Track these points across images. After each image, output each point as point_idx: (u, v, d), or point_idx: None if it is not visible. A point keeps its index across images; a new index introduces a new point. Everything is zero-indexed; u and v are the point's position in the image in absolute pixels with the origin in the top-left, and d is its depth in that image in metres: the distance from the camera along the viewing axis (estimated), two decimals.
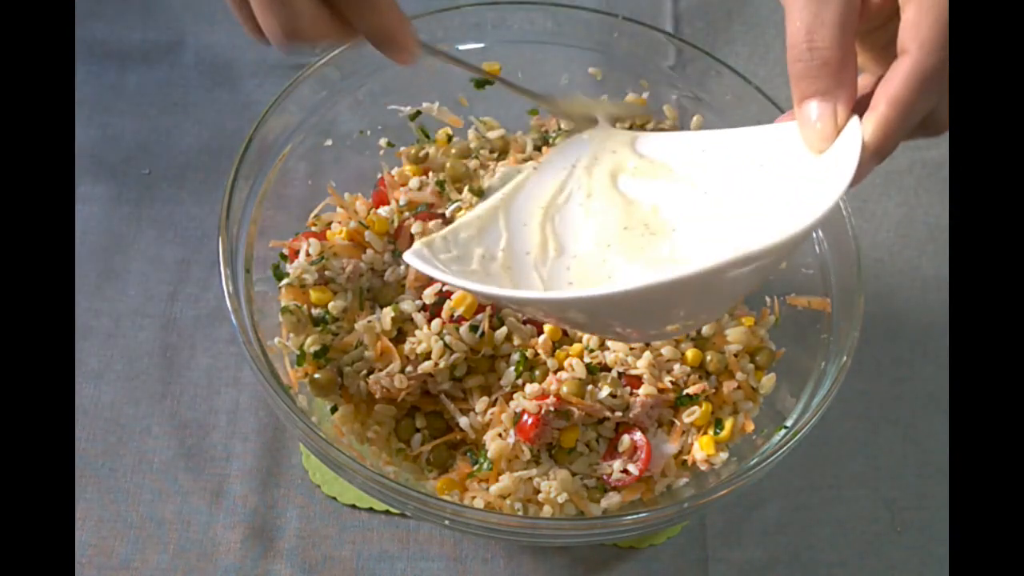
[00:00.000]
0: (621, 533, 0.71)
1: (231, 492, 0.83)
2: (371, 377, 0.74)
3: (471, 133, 0.88)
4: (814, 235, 0.82)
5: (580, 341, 0.76)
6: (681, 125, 0.89)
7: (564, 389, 0.72)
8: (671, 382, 0.75)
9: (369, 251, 0.79)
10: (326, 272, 0.77)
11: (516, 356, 0.75)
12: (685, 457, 0.75)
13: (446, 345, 0.73)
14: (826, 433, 0.87)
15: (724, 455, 0.74)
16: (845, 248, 0.78)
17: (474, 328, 0.74)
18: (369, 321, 0.76)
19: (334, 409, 0.76)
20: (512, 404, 0.73)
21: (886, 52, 0.57)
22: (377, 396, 0.75)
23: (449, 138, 0.88)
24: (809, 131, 0.57)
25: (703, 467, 0.74)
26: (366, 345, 0.75)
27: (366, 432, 0.75)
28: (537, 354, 0.75)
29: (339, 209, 0.84)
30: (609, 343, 0.75)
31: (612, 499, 0.73)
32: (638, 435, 0.73)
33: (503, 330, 0.75)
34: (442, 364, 0.73)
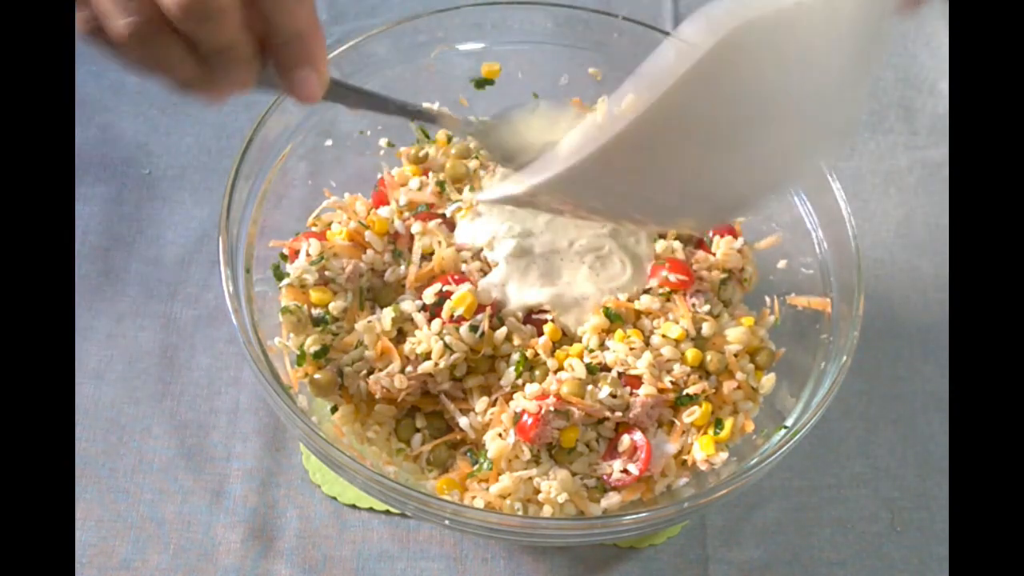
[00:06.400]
0: (621, 533, 0.71)
1: (231, 492, 0.82)
2: (371, 377, 0.74)
3: None
4: (814, 235, 0.83)
5: (580, 341, 0.76)
6: None
7: (564, 389, 0.72)
8: (671, 382, 0.75)
9: (369, 251, 0.79)
10: (326, 272, 0.77)
11: (516, 356, 0.75)
12: (685, 457, 0.75)
13: (446, 345, 0.73)
14: (826, 433, 0.87)
15: (724, 455, 0.74)
16: (845, 248, 0.78)
17: (474, 328, 0.74)
18: (369, 321, 0.76)
19: (334, 409, 0.76)
20: (512, 404, 0.73)
21: None
22: (377, 396, 0.75)
23: (449, 138, 0.88)
24: None
25: (703, 467, 0.74)
26: (366, 345, 0.75)
27: (366, 432, 0.75)
28: (537, 354, 0.75)
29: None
30: (609, 343, 0.75)
31: (612, 499, 0.73)
32: (638, 435, 0.73)
33: (503, 330, 0.75)
34: (442, 364, 0.73)
